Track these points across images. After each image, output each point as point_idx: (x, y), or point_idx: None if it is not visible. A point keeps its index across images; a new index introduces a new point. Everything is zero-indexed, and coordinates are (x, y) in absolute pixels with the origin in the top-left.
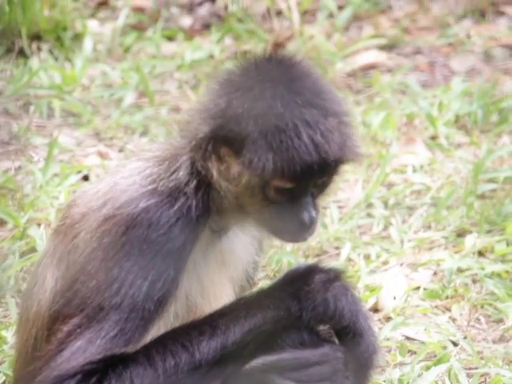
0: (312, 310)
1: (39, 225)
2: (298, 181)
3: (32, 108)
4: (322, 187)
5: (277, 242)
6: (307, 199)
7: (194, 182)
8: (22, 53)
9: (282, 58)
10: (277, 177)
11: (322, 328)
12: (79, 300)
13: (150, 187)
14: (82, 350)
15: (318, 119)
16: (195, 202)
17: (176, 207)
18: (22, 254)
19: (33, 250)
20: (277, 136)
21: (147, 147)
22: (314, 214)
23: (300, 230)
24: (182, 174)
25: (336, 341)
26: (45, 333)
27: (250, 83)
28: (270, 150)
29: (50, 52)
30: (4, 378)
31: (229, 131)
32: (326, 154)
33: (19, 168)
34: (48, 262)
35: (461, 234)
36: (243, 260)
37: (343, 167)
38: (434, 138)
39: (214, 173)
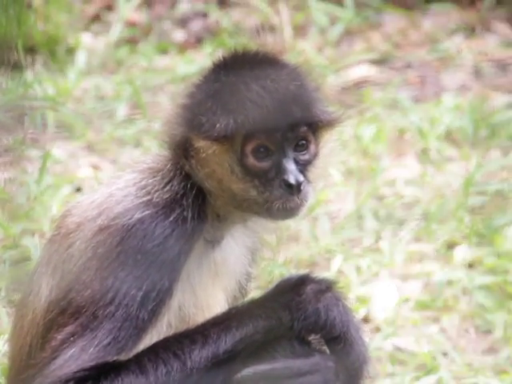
0: (303, 320)
1: (33, 235)
2: (265, 135)
3: (26, 120)
4: (302, 151)
5: (272, 229)
6: (289, 163)
7: (189, 192)
8: (16, 65)
9: (247, 53)
10: (243, 136)
11: (313, 338)
12: (74, 309)
13: (144, 198)
14: (75, 357)
15: (270, 73)
16: (191, 214)
17: (171, 218)
18: (14, 264)
19: (26, 259)
20: (231, 98)
21: (142, 159)
22: (300, 177)
23: (288, 194)
24: (177, 184)
25: (327, 351)
26: (39, 341)
27: (211, 77)
28: (227, 112)
29: (44, 65)
30: None
31: (195, 119)
32: (278, 94)
33: (12, 179)
34: (43, 271)
35: (451, 246)
36: (236, 271)
37: (317, 128)
38: (424, 151)
39: (196, 166)
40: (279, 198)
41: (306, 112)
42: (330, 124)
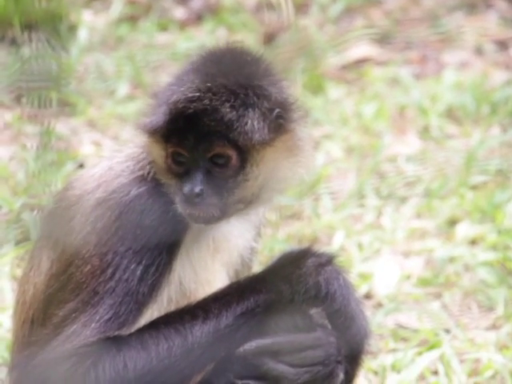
0: (304, 293)
1: (35, 211)
2: (177, 141)
3: (26, 97)
4: (221, 166)
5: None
6: (197, 173)
7: None
8: (16, 42)
9: (227, 49)
10: (163, 137)
11: (315, 312)
12: (74, 284)
13: (139, 173)
14: (77, 333)
15: (197, 78)
16: None
17: (169, 194)
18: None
19: (27, 237)
20: (164, 95)
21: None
22: (196, 188)
23: (183, 201)
24: None
25: (329, 325)
26: (41, 316)
27: (181, 71)
28: (157, 108)
29: (46, 41)
30: (0, 360)
31: (146, 110)
32: (186, 100)
33: (13, 155)
34: (44, 244)
35: (453, 223)
36: (239, 246)
37: (243, 146)
38: (426, 128)
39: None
40: (179, 203)
41: (220, 127)
42: (259, 145)
